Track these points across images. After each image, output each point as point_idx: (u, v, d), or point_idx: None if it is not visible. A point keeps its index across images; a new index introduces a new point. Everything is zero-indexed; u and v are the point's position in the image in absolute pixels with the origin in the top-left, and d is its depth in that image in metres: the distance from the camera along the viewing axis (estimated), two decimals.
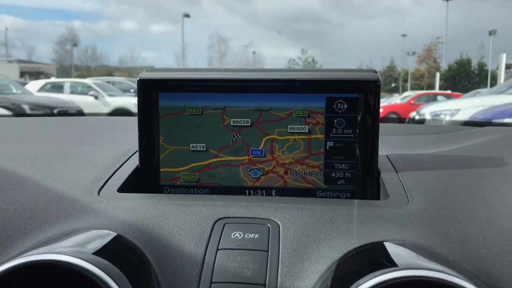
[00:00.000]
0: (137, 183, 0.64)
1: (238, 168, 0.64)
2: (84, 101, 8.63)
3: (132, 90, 10.74)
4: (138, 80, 0.63)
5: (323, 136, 0.63)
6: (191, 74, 0.64)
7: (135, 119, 0.65)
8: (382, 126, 0.64)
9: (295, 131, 0.63)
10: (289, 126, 0.63)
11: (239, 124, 0.64)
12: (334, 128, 0.63)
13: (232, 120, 0.64)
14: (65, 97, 8.74)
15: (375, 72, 0.62)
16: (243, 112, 0.63)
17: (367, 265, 0.42)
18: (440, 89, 20.87)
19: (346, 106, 0.62)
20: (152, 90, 0.64)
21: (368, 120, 0.62)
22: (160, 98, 0.64)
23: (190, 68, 0.66)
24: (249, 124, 0.64)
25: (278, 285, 0.44)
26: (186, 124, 0.64)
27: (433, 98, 12.70)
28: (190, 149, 0.64)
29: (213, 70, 0.66)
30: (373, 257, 0.45)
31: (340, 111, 0.62)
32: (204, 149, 0.64)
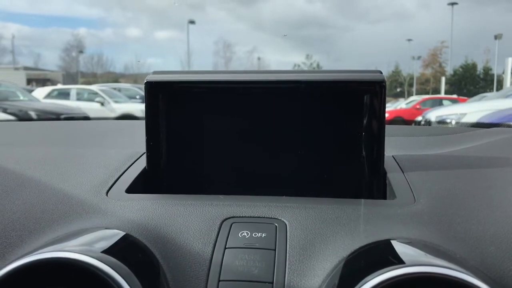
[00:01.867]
0: (144, 184, 0.65)
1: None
2: (90, 108, 8.68)
3: (138, 97, 10.77)
4: (145, 83, 0.64)
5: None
6: (198, 76, 0.65)
7: (142, 123, 0.66)
8: (388, 128, 0.64)
9: None
10: None
11: None
12: (340, 128, 0.63)
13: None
14: (72, 104, 8.81)
15: (381, 72, 0.63)
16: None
17: (374, 263, 0.42)
18: (445, 93, 20.80)
19: (352, 106, 0.62)
20: (159, 93, 0.64)
21: (374, 121, 0.62)
22: (167, 100, 0.64)
23: (197, 71, 0.67)
24: None
25: (285, 283, 0.44)
26: (193, 126, 0.64)
27: (438, 103, 12.63)
28: (197, 150, 0.65)
29: (220, 72, 0.66)
30: (380, 255, 0.45)
31: (346, 112, 0.63)
32: (211, 150, 0.65)
